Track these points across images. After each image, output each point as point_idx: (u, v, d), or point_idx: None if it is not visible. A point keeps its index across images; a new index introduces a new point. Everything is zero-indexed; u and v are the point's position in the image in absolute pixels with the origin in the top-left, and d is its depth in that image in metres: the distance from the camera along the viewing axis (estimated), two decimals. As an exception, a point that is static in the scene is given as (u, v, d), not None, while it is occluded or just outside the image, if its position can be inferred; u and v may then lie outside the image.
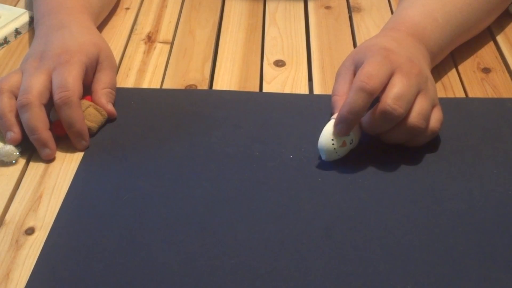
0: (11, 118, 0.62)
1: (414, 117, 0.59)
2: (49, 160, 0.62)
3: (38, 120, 0.61)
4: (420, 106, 0.59)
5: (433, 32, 0.68)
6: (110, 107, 0.67)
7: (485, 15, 0.75)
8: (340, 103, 0.61)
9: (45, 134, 0.62)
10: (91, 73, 0.68)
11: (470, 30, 0.75)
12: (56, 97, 0.62)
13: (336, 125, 0.59)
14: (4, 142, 0.62)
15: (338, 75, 0.65)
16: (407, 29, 0.67)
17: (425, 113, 0.59)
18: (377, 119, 0.59)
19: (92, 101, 0.66)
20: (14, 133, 0.62)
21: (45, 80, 0.63)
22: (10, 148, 0.62)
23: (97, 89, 0.67)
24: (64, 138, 0.64)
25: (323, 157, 0.61)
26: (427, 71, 0.63)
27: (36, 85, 0.62)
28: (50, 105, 0.63)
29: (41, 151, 0.62)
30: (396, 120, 0.58)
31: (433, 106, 0.61)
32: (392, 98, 0.58)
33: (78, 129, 0.63)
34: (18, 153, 0.62)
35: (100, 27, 0.83)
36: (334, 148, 0.60)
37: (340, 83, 0.64)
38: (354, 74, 0.63)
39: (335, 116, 0.60)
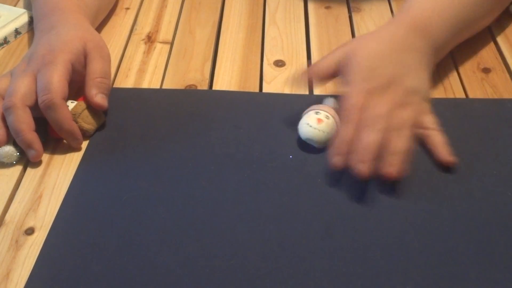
0: None
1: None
2: (37, 161, 0.62)
3: (22, 122, 0.61)
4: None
5: (439, 26, 0.68)
6: (97, 99, 0.64)
7: (488, 11, 0.76)
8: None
9: (29, 135, 0.61)
10: (81, 68, 0.66)
11: (473, 26, 0.75)
12: (39, 101, 0.61)
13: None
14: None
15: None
16: (414, 22, 0.67)
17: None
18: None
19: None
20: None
21: (30, 82, 0.63)
22: (10, 149, 0.62)
23: (87, 81, 0.65)
24: (63, 139, 0.64)
25: (314, 144, 0.63)
26: (414, 83, 0.63)
27: (20, 87, 0.62)
28: (37, 107, 0.63)
29: (27, 152, 0.62)
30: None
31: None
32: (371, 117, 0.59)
33: (67, 129, 0.62)
34: (18, 153, 0.62)
35: (100, 27, 0.83)
36: (311, 126, 0.62)
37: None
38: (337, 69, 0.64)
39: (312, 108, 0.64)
